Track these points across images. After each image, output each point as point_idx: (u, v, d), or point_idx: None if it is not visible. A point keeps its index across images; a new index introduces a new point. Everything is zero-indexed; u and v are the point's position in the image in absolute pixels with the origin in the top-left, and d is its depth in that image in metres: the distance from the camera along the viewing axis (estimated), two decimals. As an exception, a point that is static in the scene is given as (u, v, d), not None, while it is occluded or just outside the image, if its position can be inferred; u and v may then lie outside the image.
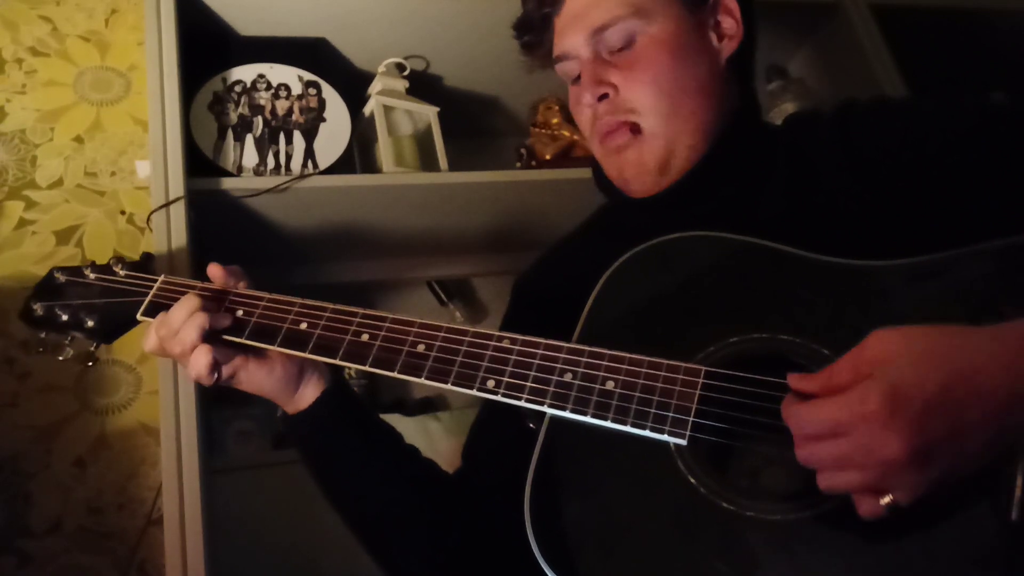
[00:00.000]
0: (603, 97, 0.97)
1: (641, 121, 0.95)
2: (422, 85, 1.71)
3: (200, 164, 1.43)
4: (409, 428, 1.61)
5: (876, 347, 0.65)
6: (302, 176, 1.45)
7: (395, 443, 1.02)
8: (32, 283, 1.05)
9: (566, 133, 1.78)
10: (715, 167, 0.97)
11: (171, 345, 0.90)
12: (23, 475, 1.29)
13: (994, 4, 1.97)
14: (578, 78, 1.01)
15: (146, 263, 1.05)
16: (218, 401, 1.58)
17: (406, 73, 1.68)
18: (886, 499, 0.63)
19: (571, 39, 0.99)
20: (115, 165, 1.55)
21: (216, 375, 0.91)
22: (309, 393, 0.97)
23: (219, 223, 1.43)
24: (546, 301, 1.04)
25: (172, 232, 1.26)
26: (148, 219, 1.28)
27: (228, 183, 1.39)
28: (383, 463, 0.99)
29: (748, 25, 1.01)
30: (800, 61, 2.01)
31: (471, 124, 1.92)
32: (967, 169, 0.86)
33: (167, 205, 1.27)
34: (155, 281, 0.99)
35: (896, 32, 1.79)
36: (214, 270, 0.98)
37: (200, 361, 0.89)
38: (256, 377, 0.94)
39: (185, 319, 0.90)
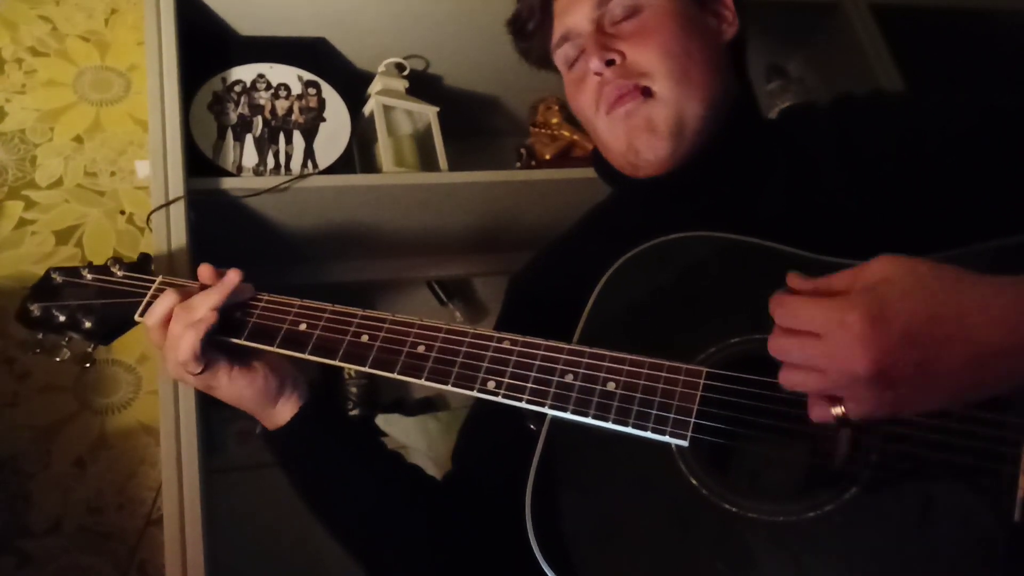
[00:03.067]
0: (611, 63, 0.95)
1: (652, 84, 0.94)
2: (422, 85, 1.71)
3: (200, 164, 1.42)
4: (409, 427, 1.61)
5: (878, 267, 0.65)
6: (302, 176, 1.45)
7: (378, 453, 1.01)
8: (32, 283, 1.05)
9: (566, 133, 1.78)
10: (718, 156, 0.96)
11: (177, 324, 0.89)
12: (23, 475, 1.29)
13: (994, 4, 1.97)
14: (576, 61, 1.00)
15: (144, 264, 1.04)
16: (218, 402, 1.58)
17: (406, 73, 1.68)
18: (838, 409, 0.64)
19: (574, 15, 0.98)
20: (115, 165, 1.55)
21: (201, 366, 0.90)
22: (288, 408, 0.95)
23: (219, 223, 1.43)
24: (542, 301, 1.04)
25: (172, 232, 1.26)
26: (148, 219, 1.28)
27: (228, 183, 1.39)
28: (367, 474, 0.97)
29: (743, 22, 1.02)
30: (800, 61, 2.01)
31: (471, 124, 1.92)
32: (966, 167, 0.86)
33: (167, 205, 1.27)
34: (153, 282, 0.99)
35: (896, 32, 1.79)
36: (205, 271, 0.97)
37: (188, 342, 0.88)
38: (237, 383, 0.93)
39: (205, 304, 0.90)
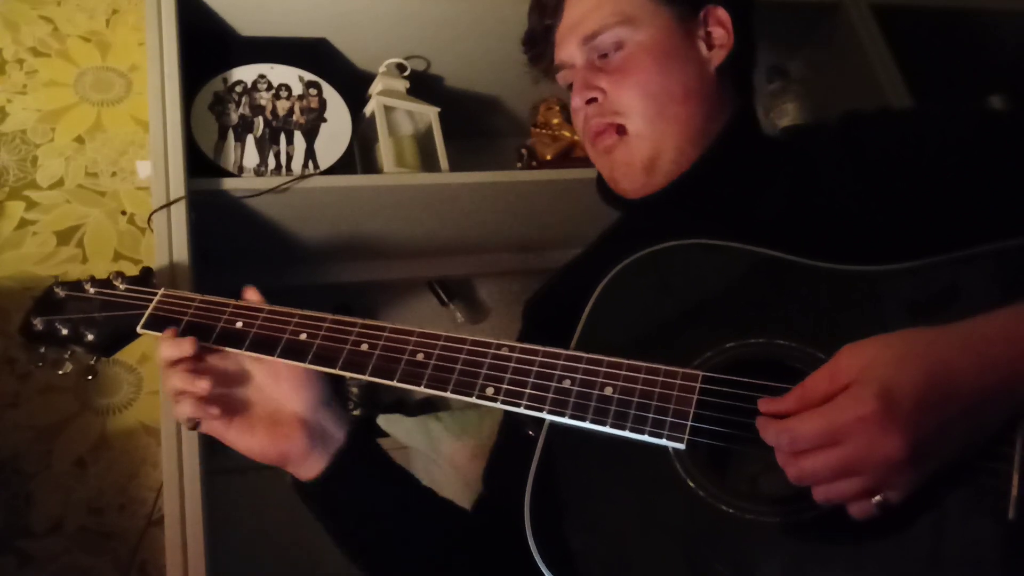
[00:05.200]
0: (591, 101, 1.00)
1: (626, 123, 0.98)
2: (423, 85, 1.72)
3: (201, 164, 1.43)
4: (410, 428, 1.61)
5: (851, 356, 0.66)
6: (303, 176, 1.45)
7: (413, 490, 0.99)
8: (33, 284, 1.06)
9: (567, 133, 1.78)
10: (709, 171, 0.98)
11: (175, 379, 0.90)
12: (24, 475, 1.29)
13: (994, 4, 1.97)
14: (571, 88, 1.04)
15: (146, 277, 1.06)
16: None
17: (407, 73, 1.69)
18: (877, 498, 0.64)
19: (567, 48, 1.03)
20: (116, 165, 1.55)
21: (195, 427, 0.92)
22: (315, 464, 0.93)
23: (220, 223, 1.43)
24: (556, 319, 1.04)
25: (173, 232, 1.26)
26: (149, 219, 1.28)
27: (229, 183, 1.40)
28: (402, 515, 0.96)
29: (743, 36, 1.02)
30: (801, 61, 2.01)
31: (472, 124, 1.92)
32: (965, 172, 0.87)
33: (168, 205, 1.28)
34: (155, 294, 1.00)
35: (896, 32, 1.79)
36: (252, 295, 0.97)
37: (181, 412, 0.90)
38: (244, 443, 0.93)
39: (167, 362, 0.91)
